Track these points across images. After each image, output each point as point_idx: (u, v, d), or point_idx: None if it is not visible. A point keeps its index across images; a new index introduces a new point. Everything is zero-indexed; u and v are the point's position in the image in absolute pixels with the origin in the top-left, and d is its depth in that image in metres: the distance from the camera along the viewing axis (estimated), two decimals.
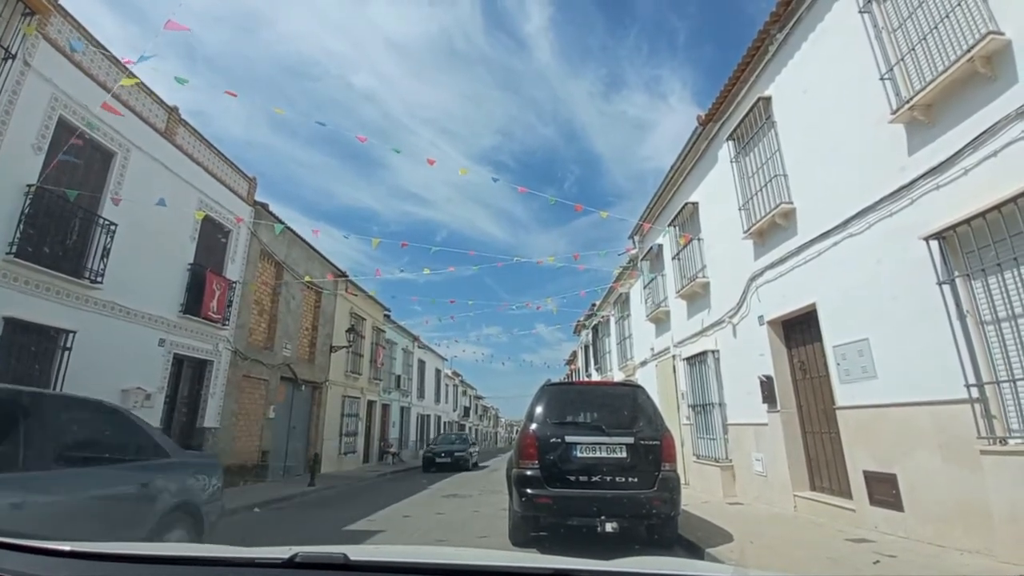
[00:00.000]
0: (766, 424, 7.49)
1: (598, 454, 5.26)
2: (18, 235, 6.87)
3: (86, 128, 7.15)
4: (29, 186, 7.07)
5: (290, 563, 1.15)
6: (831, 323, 6.16)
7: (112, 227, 8.34)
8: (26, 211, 7.01)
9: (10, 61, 6.63)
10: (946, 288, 4.53)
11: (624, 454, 5.25)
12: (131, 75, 7.25)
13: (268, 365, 13.35)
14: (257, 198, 13.10)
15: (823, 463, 6.66)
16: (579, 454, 5.27)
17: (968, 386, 4.29)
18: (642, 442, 5.30)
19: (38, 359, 7.29)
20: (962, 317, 4.41)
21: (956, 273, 4.49)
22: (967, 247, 4.44)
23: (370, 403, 20.66)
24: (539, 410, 5.63)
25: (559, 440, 5.32)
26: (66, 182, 7.47)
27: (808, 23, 6.55)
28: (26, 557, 1.22)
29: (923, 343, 4.82)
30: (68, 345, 7.58)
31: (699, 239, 9.97)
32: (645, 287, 13.54)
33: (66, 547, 1.25)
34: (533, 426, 5.49)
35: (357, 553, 1.17)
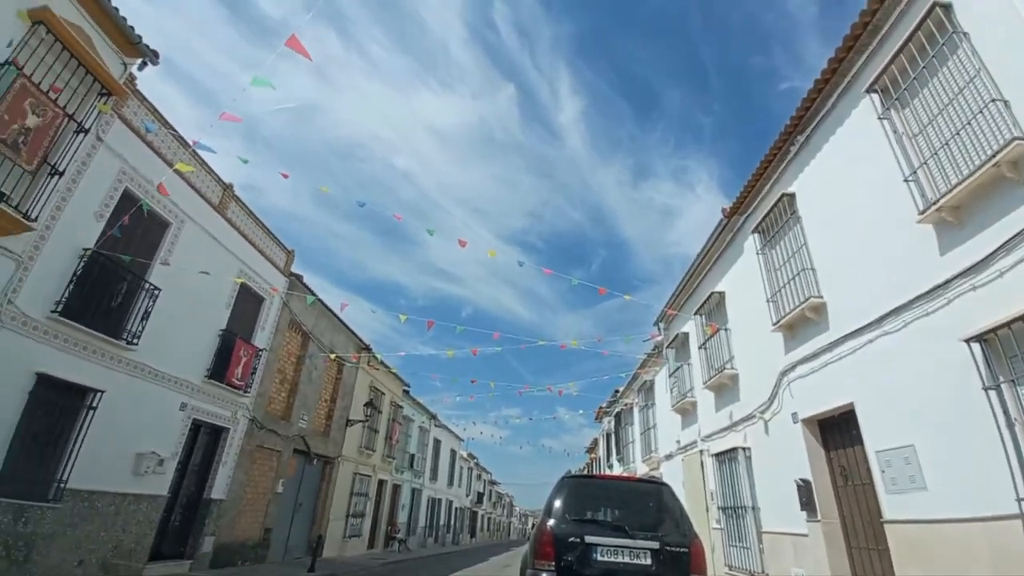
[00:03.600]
0: (806, 535, 6.86)
1: (620, 559, 4.85)
2: (66, 294, 7.22)
3: (145, 208, 7.83)
4: (85, 250, 7.53)
5: None
6: (872, 425, 5.81)
7: (156, 291, 8.72)
8: (78, 272, 7.42)
9: (82, 135, 7.29)
10: (992, 393, 4.28)
11: (648, 560, 4.83)
12: (195, 156, 7.96)
13: (283, 436, 13.16)
14: (293, 269, 13.64)
15: None
16: (599, 557, 4.86)
17: (1019, 500, 3.91)
18: (668, 548, 4.88)
19: (62, 416, 7.36)
20: (1011, 425, 4.11)
21: (1001, 378, 4.25)
22: (1010, 351, 4.23)
23: (381, 482, 19.87)
24: (558, 504, 5.31)
25: (578, 540, 4.94)
26: (121, 247, 7.96)
27: (828, 126, 6.80)
28: None
29: (972, 451, 4.47)
30: (94, 404, 7.66)
31: (726, 329, 9.80)
32: (671, 375, 13.16)
33: None
34: (551, 522, 5.14)
35: None
